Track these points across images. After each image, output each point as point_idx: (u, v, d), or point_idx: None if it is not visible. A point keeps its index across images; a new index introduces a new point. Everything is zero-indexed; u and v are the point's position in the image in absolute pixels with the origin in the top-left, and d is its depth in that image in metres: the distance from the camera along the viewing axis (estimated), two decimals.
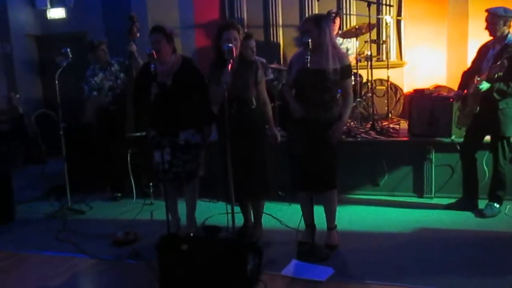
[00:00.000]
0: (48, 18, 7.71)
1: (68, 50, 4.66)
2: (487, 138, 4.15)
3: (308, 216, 3.51)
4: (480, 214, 4.12)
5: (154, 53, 3.41)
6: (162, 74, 3.58)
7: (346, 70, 3.38)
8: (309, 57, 3.14)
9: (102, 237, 3.98)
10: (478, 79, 3.85)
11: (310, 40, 3.17)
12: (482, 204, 4.20)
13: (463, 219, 4.08)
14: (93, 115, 5.20)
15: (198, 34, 7.20)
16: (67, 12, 7.59)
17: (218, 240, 3.11)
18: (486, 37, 4.08)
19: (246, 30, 5.49)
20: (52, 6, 7.61)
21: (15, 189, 4.78)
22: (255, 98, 3.55)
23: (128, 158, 4.80)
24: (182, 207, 3.96)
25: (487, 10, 3.94)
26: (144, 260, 3.45)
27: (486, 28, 3.97)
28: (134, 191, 4.90)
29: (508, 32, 3.91)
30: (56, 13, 7.66)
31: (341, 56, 3.41)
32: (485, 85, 3.80)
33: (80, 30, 7.38)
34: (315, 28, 3.29)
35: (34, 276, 3.41)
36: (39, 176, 5.82)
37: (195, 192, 3.89)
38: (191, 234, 3.77)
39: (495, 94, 3.84)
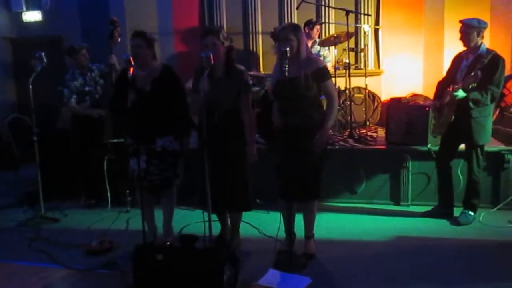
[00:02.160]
0: (24, 21, 7.58)
1: (43, 54, 4.56)
2: (462, 146, 4.21)
3: (288, 225, 3.50)
4: (455, 222, 4.17)
5: (130, 59, 3.35)
6: (141, 80, 3.54)
7: (320, 73, 3.32)
8: (287, 66, 3.14)
9: (76, 246, 3.90)
10: (456, 86, 3.90)
11: (288, 49, 3.17)
12: (457, 212, 4.26)
13: (438, 227, 4.13)
14: (68, 121, 5.09)
15: (177, 40, 7.16)
16: (43, 15, 7.47)
17: (194, 249, 3.07)
18: (461, 47, 4.14)
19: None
20: (28, 9, 7.49)
21: None
22: (239, 107, 3.50)
23: (105, 165, 4.72)
24: (159, 215, 3.90)
25: (461, 21, 4.01)
26: (118, 270, 3.39)
27: (460, 38, 4.03)
28: (109, 198, 4.82)
29: (481, 43, 3.98)
30: (32, 16, 7.53)
31: (313, 60, 3.38)
32: (460, 93, 3.86)
33: (56, 33, 7.27)
34: (294, 37, 3.29)
35: (4, 286, 3.31)
36: (13, 182, 5.69)
37: (172, 200, 3.84)
38: (167, 244, 3.72)
39: (470, 103, 3.90)
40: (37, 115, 4.63)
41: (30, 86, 4.51)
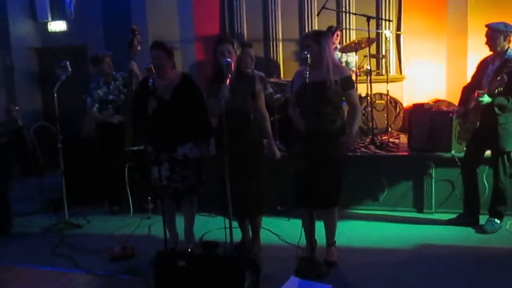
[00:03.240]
0: (49, 30, 7.74)
1: (68, 63, 4.66)
2: (488, 153, 4.13)
3: (309, 232, 3.48)
4: (481, 230, 4.08)
5: (152, 67, 3.40)
6: (161, 89, 3.57)
7: (346, 81, 3.38)
8: (307, 72, 3.16)
9: (99, 252, 3.94)
10: (480, 92, 3.83)
11: (308, 55, 3.19)
12: (483, 219, 4.16)
13: (464, 235, 4.05)
14: (92, 128, 5.17)
15: (198, 47, 7.22)
16: (68, 25, 7.62)
17: (215, 256, 3.07)
18: (485, 52, 4.08)
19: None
20: (53, 19, 7.64)
21: (12, 201, 4.76)
22: (253, 112, 3.53)
23: (126, 172, 4.77)
24: (180, 222, 3.92)
25: (487, 26, 3.95)
26: (140, 276, 3.41)
27: (486, 43, 3.97)
28: (131, 205, 4.86)
29: (508, 47, 3.91)
30: (57, 26, 7.69)
31: (340, 68, 3.45)
32: (486, 98, 3.79)
33: (80, 43, 7.41)
34: (314, 44, 3.32)
35: None
36: (37, 188, 5.79)
37: (193, 207, 3.86)
38: (189, 250, 3.73)
39: (495, 109, 3.83)
40: (61, 123, 4.72)
41: (55, 95, 4.61)
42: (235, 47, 3.51)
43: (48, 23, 7.70)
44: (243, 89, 3.49)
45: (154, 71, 3.39)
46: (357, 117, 3.47)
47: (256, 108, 3.55)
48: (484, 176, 4.33)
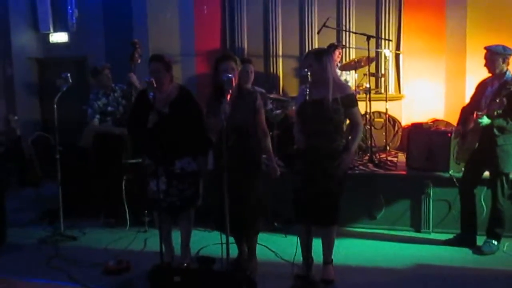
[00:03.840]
0: (51, 42, 7.78)
1: (68, 75, 4.66)
2: (486, 174, 4.14)
3: (306, 249, 3.46)
4: (478, 251, 4.07)
5: (153, 81, 3.41)
6: (160, 102, 3.57)
7: (348, 99, 3.39)
8: (307, 89, 3.17)
9: (94, 265, 3.91)
10: (479, 113, 3.85)
11: (309, 73, 3.20)
12: (480, 240, 4.15)
13: (461, 256, 4.03)
14: (90, 140, 5.17)
15: (199, 61, 7.26)
16: (69, 36, 7.67)
17: (211, 272, 3.05)
18: (484, 73, 4.11)
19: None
20: (55, 30, 7.69)
21: (8, 211, 4.72)
22: (253, 129, 3.53)
23: (123, 185, 4.75)
24: (176, 236, 3.90)
25: (486, 48, 3.99)
26: None
27: (485, 65, 4.01)
28: (128, 218, 4.84)
29: (507, 70, 3.94)
30: (59, 37, 7.73)
31: (342, 86, 3.46)
32: (485, 120, 3.81)
33: (81, 54, 7.45)
34: (316, 62, 3.34)
35: None
36: (33, 199, 5.76)
37: (190, 221, 3.84)
38: (185, 265, 3.70)
39: (495, 130, 3.85)
40: (60, 134, 4.71)
41: (55, 106, 4.61)
42: (237, 63, 3.53)
43: (50, 34, 7.74)
44: (243, 105, 3.50)
45: (155, 85, 3.39)
46: (358, 135, 3.47)
47: (256, 125, 3.55)
48: (482, 197, 4.34)
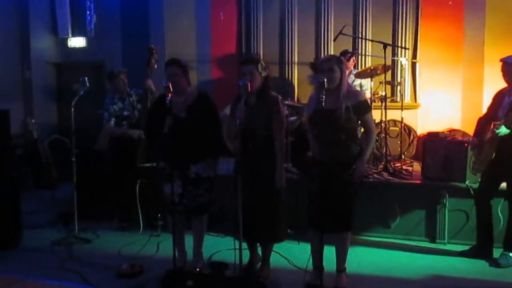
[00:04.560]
0: (69, 46, 7.90)
1: (86, 79, 4.72)
2: (503, 185, 4.07)
3: (317, 256, 3.43)
4: (494, 263, 4.00)
5: (170, 85, 3.43)
6: (177, 106, 3.60)
7: (361, 106, 3.34)
8: (324, 96, 3.13)
9: (108, 267, 3.93)
10: (497, 123, 3.80)
11: (325, 80, 3.17)
12: (497, 253, 4.08)
13: (477, 268, 3.97)
14: (105, 144, 5.21)
15: (214, 67, 7.30)
16: (87, 41, 7.77)
17: (224, 277, 3.05)
18: (501, 83, 4.06)
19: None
20: (74, 35, 7.80)
21: (24, 213, 4.78)
22: (271, 135, 3.48)
23: (137, 189, 4.78)
24: (189, 241, 3.90)
25: (502, 60, 3.95)
26: None
27: (503, 77, 3.96)
28: (141, 222, 4.86)
29: None
30: (77, 42, 7.84)
31: (354, 93, 3.41)
32: (503, 130, 3.76)
33: (99, 59, 7.54)
34: (337, 68, 3.31)
35: None
36: (49, 201, 5.82)
37: (203, 226, 3.84)
38: (197, 270, 3.70)
39: None
40: (76, 137, 4.76)
41: (72, 109, 4.66)
42: (260, 68, 3.49)
43: (68, 39, 7.85)
44: (263, 112, 3.48)
45: (172, 89, 3.42)
46: (371, 142, 3.44)
47: (274, 129, 3.50)
48: (499, 209, 4.27)
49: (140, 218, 4.86)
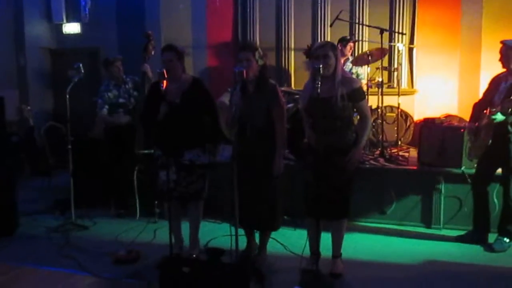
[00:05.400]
0: (64, 32, 7.83)
1: (81, 65, 4.69)
2: (499, 171, 4.08)
3: (314, 243, 3.45)
4: (489, 248, 4.02)
5: (165, 72, 3.41)
6: (171, 93, 3.58)
7: (356, 93, 3.32)
8: (319, 83, 3.11)
9: (104, 254, 3.94)
10: (493, 110, 3.80)
11: (321, 66, 3.14)
12: (492, 238, 4.11)
13: (472, 253, 3.99)
14: (101, 131, 5.20)
15: (210, 54, 7.25)
16: (82, 27, 7.70)
17: (220, 264, 3.06)
18: (498, 68, 4.04)
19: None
20: (68, 21, 7.73)
21: (20, 200, 4.78)
22: (269, 124, 3.47)
23: (134, 176, 4.78)
24: (186, 227, 3.91)
25: (502, 42, 3.92)
26: (145, 280, 3.40)
27: (500, 60, 3.94)
28: (138, 209, 4.87)
29: None
30: (72, 28, 7.78)
31: (349, 80, 3.38)
32: (499, 116, 3.76)
33: (94, 45, 7.48)
34: (332, 55, 3.28)
35: None
36: (45, 188, 5.82)
37: (199, 213, 3.85)
38: (194, 256, 3.72)
39: (509, 127, 3.79)
40: (72, 124, 4.74)
41: (67, 96, 4.63)
42: (257, 55, 3.46)
43: (63, 25, 7.78)
44: (261, 100, 3.46)
45: (166, 76, 3.40)
46: (367, 129, 3.41)
47: (274, 117, 3.47)
48: (495, 194, 4.28)
49: (137, 205, 4.87)
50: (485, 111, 3.96)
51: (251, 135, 3.45)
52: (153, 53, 4.73)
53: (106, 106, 5.01)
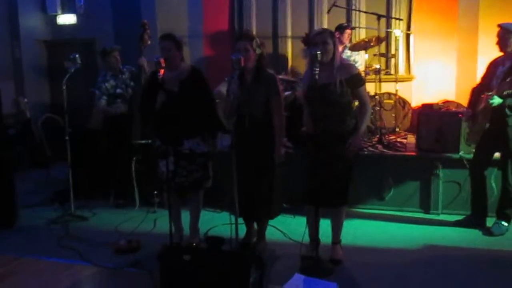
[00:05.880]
0: (58, 23, 7.76)
1: (77, 56, 4.66)
2: (497, 155, 4.09)
3: (314, 230, 3.46)
4: (488, 232, 4.05)
5: (161, 61, 3.39)
6: (170, 82, 3.57)
7: (355, 79, 3.32)
8: (317, 69, 3.12)
9: (104, 244, 3.96)
10: (490, 94, 3.80)
11: (318, 53, 3.14)
12: (490, 222, 4.13)
13: (470, 237, 4.02)
14: (99, 122, 5.18)
15: (207, 43, 7.22)
16: (77, 18, 7.64)
17: (221, 251, 3.06)
18: (496, 53, 4.04)
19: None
20: (63, 12, 7.66)
21: (19, 193, 4.78)
22: (267, 114, 3.48)
23: (133, 166, 4.78)
24: (185, 216, 3.92)
25: (499, 25, 3.91)
26: (145, 270, 3.42)
27: (497, 43, 3.93)
28: (137, 198, 4.87)
29: None
30: (67, 19, 7.70)
31: (347, 66, 3.38)
32: (496, 100, 3.76)
33: (90, 36, 7.42)
34: (331, 41, 3.27)
35: (34, 282, 3.39)
36: (44, 180, 5.82)
37: (199, 202, 3.85)
38: (194, 245, 3.73)
39: (506, 110, 3.79)
40: (69, 116, 4.72)
41: (64, 87, 4.61)
42: (255, 45, 3.45)
43: (58, 16, 7.71)
44: (259, 90, 3.46)
45: (163, 65, 3.38)
46: (366, 115, 3.41)
47: (273, 107, 3.48)
48: (492, 178, 4.31)
49: (136, 195, 4.87)
50: (482, 96, 3.96)
51: (250, 125, 3.45)
52: (149, 42, 4.70)
53: (104, 97, 5.00)
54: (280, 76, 5.52)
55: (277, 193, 3.64)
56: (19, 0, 7.39)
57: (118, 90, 5.05)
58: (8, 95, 6.70)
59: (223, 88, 4.66)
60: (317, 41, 3.27)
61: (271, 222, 3.89)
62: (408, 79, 6.42)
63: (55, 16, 7.71)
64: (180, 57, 3.68)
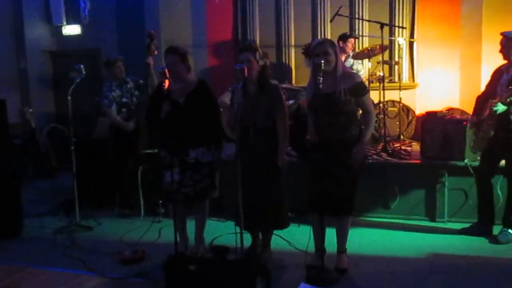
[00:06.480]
0: (64, 34, 7.83)
1: (82, 66, 4.70)
2: (503, 162, 4.08)
3: (319, 239, 3.46)
4: (494, 240, 4.03)
5: (166, 71, 3.41)
6: (176, 93, 3.59)
7: (358, 88, 3.32)
8: (321, 79, 3.13)
9: (110, 254, 3.96)
10: (493, 101, 3.80)
11: (322, 62, 3.16)
12: (496, 230, 4.11)
13: (477, 245, 3.99)
14: (105, 131, 5.20)
15: (211, 53, 7.25)
16: (82, 28, 7.70)
17: (226, 261, 3.06)
18: (499, 61, 4.05)
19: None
20: (68, 22, 7.73)
21: (24, 202, 4.79)
22: (271, 125, 3.50)
23: (139, 175, 4.79)
24: (191, 226, 3.92)
25: (502, 34, 3.92)
26: (151, 280, 3.41)
27: (500, 51, 3.94)
28: (142, 208, 4.88)
29: None
30: (72, 29, 7.77)
31: (350, 75, 3.39)
32: (500, 107, 3.76)
33: (94, 46, 7.48)
34: (332, 51, 3.29)
35: None
36: (49, 190, 5.83)
37: (205, 212, 3.86)
38: (199, 255, 3.73)
39: (511, 117, 3.79)
40: (74, 125, 4.75)
41: (69, 97, 4.64)
42: (258, 56, 3.48)
43: (63, 27, 7.78)
44: (262, 101, 3.48)
45: (168, 76, 3.40)
46: (371, 124, 3.40)
47: (278, 117, 3.50)
48: (498, 186, 4.28)
49: (141, 205, 4.88)
50: (487, 104, 3.95)
51: (254, 135, 3.46)
52: (156, 52, 4.74)
53: (114, 104, 5.02)
54: (284, 85, 5.54)
55: (284, 203, 3.63)
56: (25, 11, 7.47)
57: (124, 99, 5.08)
58: (13, 105, 6.74)
59: (226, 98, 4.69)
60: (318, 52, 3.29)
61: (276, 231, 3.89)
62: (412, 86, 6.43)
63: (60, 26, 7.78)
64: (186, 68, 3.70)
